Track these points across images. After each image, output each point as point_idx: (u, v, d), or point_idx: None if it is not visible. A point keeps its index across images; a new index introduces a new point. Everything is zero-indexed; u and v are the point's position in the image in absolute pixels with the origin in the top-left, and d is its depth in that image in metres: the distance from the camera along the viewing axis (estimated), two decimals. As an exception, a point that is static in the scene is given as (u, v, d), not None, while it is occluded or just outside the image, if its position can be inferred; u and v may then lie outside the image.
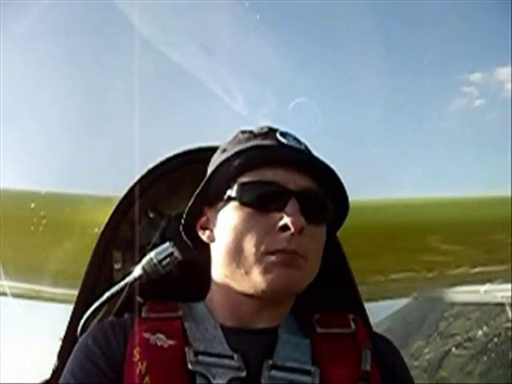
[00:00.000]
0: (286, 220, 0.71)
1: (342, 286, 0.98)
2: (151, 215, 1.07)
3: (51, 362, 0.96)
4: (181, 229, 0.84)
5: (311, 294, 0.80)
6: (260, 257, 0.71)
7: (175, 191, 1.03)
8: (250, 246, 0.72)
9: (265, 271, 0.71)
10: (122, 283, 0.85)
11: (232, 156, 0.77)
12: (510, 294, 4.06)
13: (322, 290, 0.86)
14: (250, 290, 0.73)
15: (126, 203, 1.07)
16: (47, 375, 1.00)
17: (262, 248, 0.71)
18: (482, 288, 4.04)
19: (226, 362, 0.70)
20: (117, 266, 1.02)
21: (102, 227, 1.07)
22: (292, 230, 0.70)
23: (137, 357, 0.69)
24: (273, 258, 0.71)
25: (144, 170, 1.08)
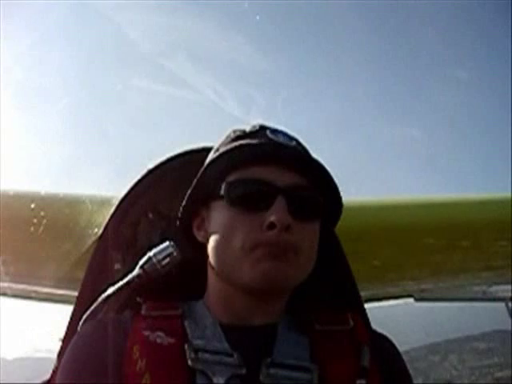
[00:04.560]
0: (272, 218, 0.71)
1: (341, 283, 0.98)
2: (151, 216, 1.07)
3: (51, 361, 0.96)
4: (177, 229, 0.84)
5: (310, 291, 0.80)
6: (247, 253, 0.72)
7: (175, 192, 1.03)
8: (237, 243, 0.73)
9: (252, 266, 0.72)
10: (122, 282, 0.85)
11: (220, 155, 0.78)
12: (510, 294, 4.06)
13: (321, 287, 0.86)
14: (241, 286, 0.74)
15: (126, 204, 1.07)
16: (47, 375, 1.01)
17: (249, 244, 0.72)
18: (482, 288, 4.03)
19: (226, 359, 0.71)
20: (117, 266, 1.02)
21: (103, 228, 1.08)
22: (278, 227, 0.70)
23: (136, 354, 0.69)
24: (259, 251, 0.71)
25: (144, 171, 1.08)
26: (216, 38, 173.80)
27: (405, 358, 0.85)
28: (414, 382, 0.85)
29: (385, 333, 0.86)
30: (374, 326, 0.91)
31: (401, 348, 0.86)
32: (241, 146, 0.77)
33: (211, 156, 0.83)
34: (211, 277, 0.81)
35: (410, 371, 0.84)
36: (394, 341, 0.85)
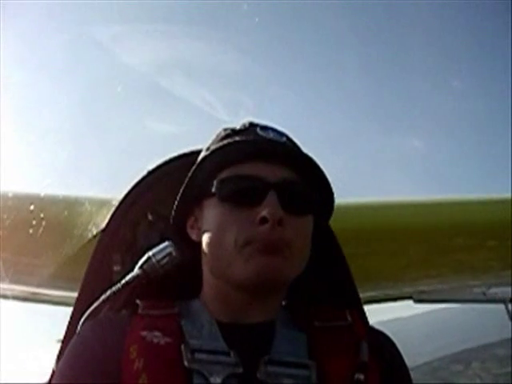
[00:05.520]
0: (264, 212, 0.71)
1: (340, 281, 0.99)
2: (150, 217, 1.07)
3: (51, 363, 0.96)
4: (173, 229, 0.85)
5: (308, 289, 0.80)
6: (239, 249, 0.72)
7: (174, 193, 1.04)
8: (229, 239, 0.73)
9: (245, 261, 0.72)
10: (121, 283, 0.85)
11: (210, 154, 0.78)
12: (510, 295, 4.06)
13: (319, 285, 0.86)
14: (235, 283, 0.74)
15: (125, 205, 1.07)
16: (47, 376, 1.00)
17: (241, 240, 0.72)
18: (482, 290, 4.03)
19: (223, 358, 0.70)
20: (116, 267, 1.02)
21: (102, 229, 1.08)
22: (270, 221, 0.70)
23: (134, 354, 0.69)
24: (252, 247, 0.71)
25: (143, 172, 1.08)
26: (204, 49, 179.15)
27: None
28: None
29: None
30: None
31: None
32: (231, 143, 0.78)
33: (202, 154, 0.83)
34: (206, 275, 0.81)
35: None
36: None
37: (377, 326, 0.87)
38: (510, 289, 3.96)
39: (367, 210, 2.53)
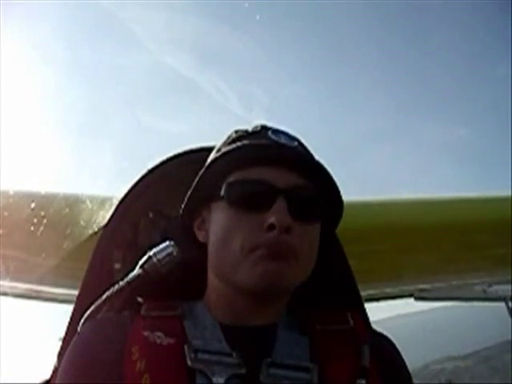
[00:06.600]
0: (272, 219, 0.70)
1: (342, 283, 0.98)
2: (151, 215, 1.07)
3: (51, 362, 0.96)
4: (180, 229, 0.84)
5: (310, 291, 0.80)
6: (246, 254, 0.72)
7: (175, 191, 1.04)
8: (236, 244, 0.72)
9: (251, 267, 0.71)
10: (122, 282, 0.85)
11: (221, 156, 0.77)
12: (510, 293, 4.06)
13: (322, 287, 0.86)
14: (240, 288, 0.74)
15: (126, 203, 1.07)
16: (47, 375, 1.01)
17: (248, 246, 0.72)
18: (482, 287, 4.03)
19: (225, 359, 0.70)
20: (117, 265, 1.02)
21: (103, 227, 1.08)
22: (277, 228, 0.70)
23: (136, 355, 0.69)
24: (258, 252, 0.71)
25: (144, 170, 1.08)
26: (219, 35, 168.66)
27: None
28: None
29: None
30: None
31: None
32: (242, 146, 0.77)
33: (212, 156, 0.82)
34: (211, 277, 0.81)
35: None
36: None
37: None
38: (509, 287, 3.96)
39: (368, 208, 2.53)
